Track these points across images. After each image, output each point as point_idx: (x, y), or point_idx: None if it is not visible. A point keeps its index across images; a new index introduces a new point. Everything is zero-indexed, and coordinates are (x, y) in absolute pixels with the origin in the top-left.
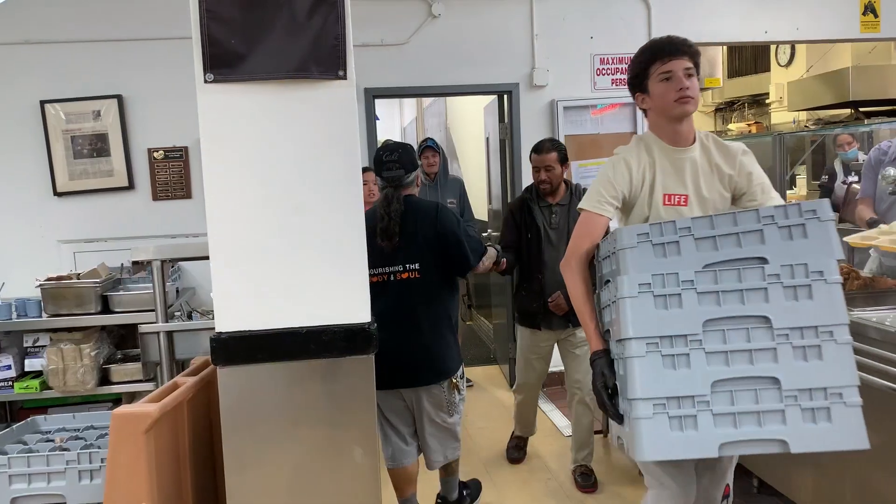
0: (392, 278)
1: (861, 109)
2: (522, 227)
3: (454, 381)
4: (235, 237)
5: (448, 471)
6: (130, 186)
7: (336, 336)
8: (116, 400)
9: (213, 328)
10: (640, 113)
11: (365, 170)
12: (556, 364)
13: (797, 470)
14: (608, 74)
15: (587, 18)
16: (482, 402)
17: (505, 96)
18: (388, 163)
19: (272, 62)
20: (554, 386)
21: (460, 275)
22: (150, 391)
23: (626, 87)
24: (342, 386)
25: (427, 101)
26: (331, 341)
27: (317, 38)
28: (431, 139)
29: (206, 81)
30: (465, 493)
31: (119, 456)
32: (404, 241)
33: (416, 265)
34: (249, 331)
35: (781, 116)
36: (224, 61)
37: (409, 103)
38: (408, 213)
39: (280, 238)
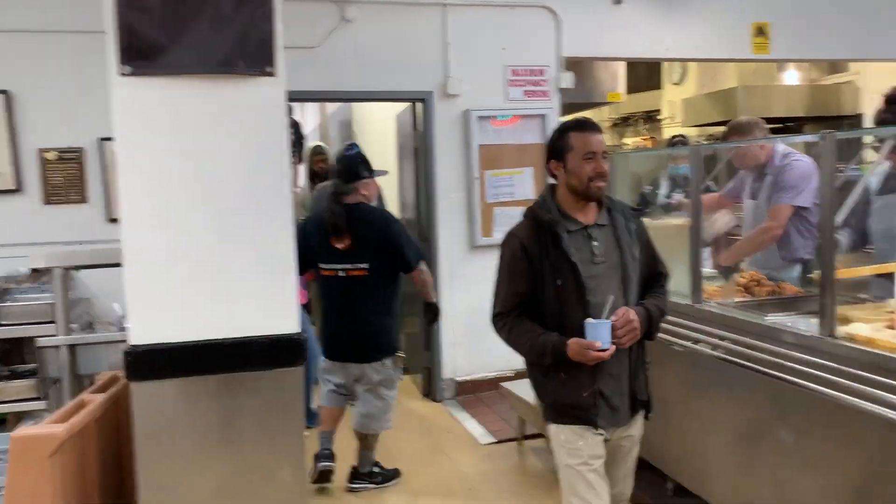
0: (342, 274)
1: None
2: (545, 268)
3: (400, 355)
4: (153, 243)
5: (365, 444)
6: (17, 189)
7: (262, 347)
8: (1, 421)
9: (120, 341)
10: (551, 124)
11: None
12: (476, 371)
13: (714, 471)
14: (520, 86)
15: (499, 29)
16: (397, 412)
17: (418, 104)
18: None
19: (196, 56)
20: (467, 394)
21: (405, 272)
22: (44, 410)
23: (538, 98)
24: (269, 400)
25: (332, 107)
26: (256, 353)
27: (244, 31)
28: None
29: (121, 74)
30: (375, 469)
31: (20, 483)
32: (357, 243)
33: (366, 265)
34: (168, 343)
35: (674, 132)
36: (142, 53)
37: (313, 109)
38: (360, 220)
39: (202, 244)
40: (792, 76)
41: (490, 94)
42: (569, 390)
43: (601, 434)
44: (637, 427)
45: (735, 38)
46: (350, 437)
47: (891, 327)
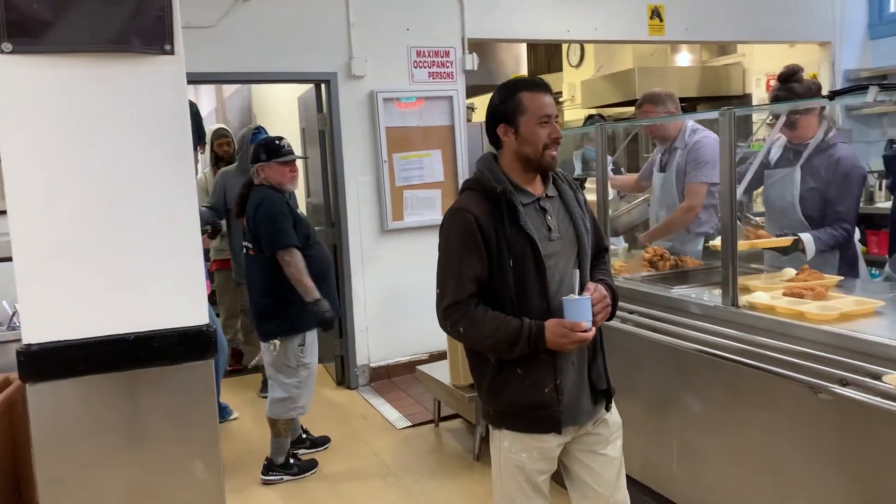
0: (244, 252)
1: None
2: (501, 246)
3: (282, 341)
4: (45, 234)
5: (274, 431)
6: None
7: (169, 341)
8: None
9: (13, 340)
10: (457, 106)
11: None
12: (390, 356)
13: (626, 443)
14: (426, 67)
15: (403, 10)
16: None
17: (322, 86)
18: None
19: (85, 32)
20: (381, 380)
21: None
22: None
23: (444, 79)
24: (179, 396)
25: (229, 89)
26: (163, 347)
27: (139, 6)
28: (264, 128)
29: (2, 52)
30: (291, 461)
31: None
32: (247, 223)
33: (250, 244)
34: (66, 340)
35: (574, 114)
36: (25, 29)
37: (208, 91)
38: (249, 201)
39: (98, 234)
40: (684, 58)
41: (395, 75)
42: (527, 388)
43: (559, 438)
44: (610, 418)
45: (632, 21)
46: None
47: (787, 295)
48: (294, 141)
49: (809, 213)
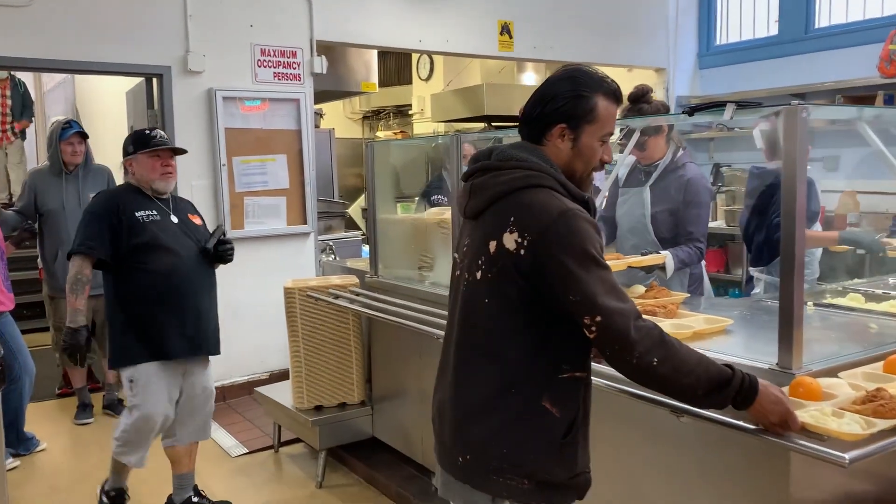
0: None
1: (493, 124)
2: None
3: (117, 371)
4: None
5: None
6: None
7: None
8: None
9: None
10: (304, 110)
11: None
12: (225, 377)
13: None
14: (271, 67)
15: (247, 5)
16: None
17: (154, 80)
18: None
19: None
20: (216, 403)
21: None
22: None
23: (290, 81)
24: None
25: (50, 81)
26: None
27: None
28: (76, 122)
29: None
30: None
31: None
32: None
33: None
34: None
35: (424, 127)
36: None
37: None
38: None
39: None
40: (530, 77)
41: (237, 73)
42: (583, 458)
43: None
44: None
45: (483, 35)
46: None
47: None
48: (118, 139)
49: (661, 233)
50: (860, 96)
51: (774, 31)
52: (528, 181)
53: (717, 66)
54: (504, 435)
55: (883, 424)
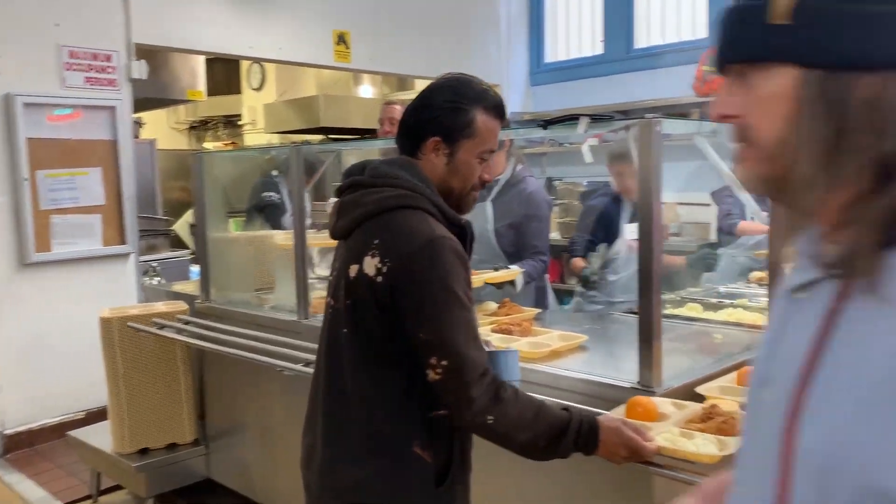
0: None
1: (330, 136)
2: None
3: None
4: None
5: None
6: None
7: None
8: None
9: None
10: (121, 118)
11: None
12: (33, 419)
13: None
14: (81, 71)
15: (51, 2)
16: None
17: None
18: None
19: None
20: (21, 450)
21: None
22: None
23: (104, 87)
24: None
25: None
26: None
27: None
28: None
29: None
30: None
31: None
32: None
33: None
34: None
35: (255, 138)
36: None
37: None
38: None
39: None
40: (366, 90)
41: (41, 77)
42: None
43: None
44: None
45: (319, 44)
46: None
47: (497, 331)
48: None
49: (505, 248)
50: (678, 114)
51: (600, 49)
52: (400, 202)
53: (547, 83)
54: (375, 485)
55: (735, 443)
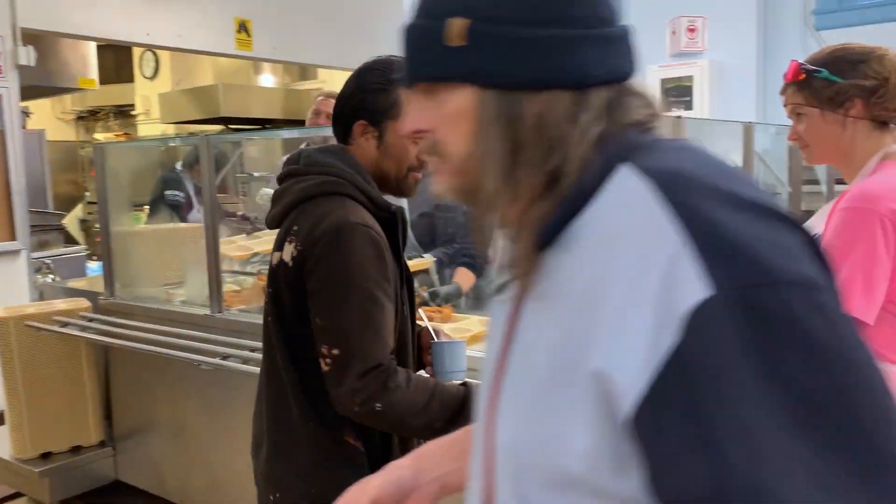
0: None
1: (231, 126)
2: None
3: None
4: None
5: None
6: None
7: None
8: None
9: None
10: (8, 107)
11: None
12: None
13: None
14: None
15: None
16: None
17: None
18: None
19: None
20: None
21: None
22: None
23: None
24: None
25: None
26: None
27: None
28: None
29: None
30: None
31: None
32: None
33: None
34: None
35: (150, 129)
36: None
37: None
38: None
39: None
40: (268, 79)
41: None
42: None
43: None
44: None
45: (219, 32)
46: None
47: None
48: None
49: (420, 238)
50: None
51: None
52: (322, 188)
53: None
54: (312, 475)
55: None
